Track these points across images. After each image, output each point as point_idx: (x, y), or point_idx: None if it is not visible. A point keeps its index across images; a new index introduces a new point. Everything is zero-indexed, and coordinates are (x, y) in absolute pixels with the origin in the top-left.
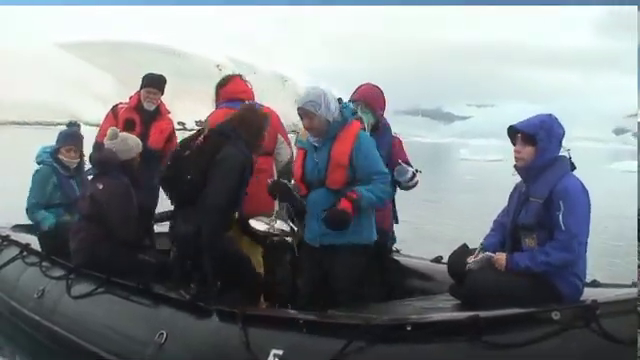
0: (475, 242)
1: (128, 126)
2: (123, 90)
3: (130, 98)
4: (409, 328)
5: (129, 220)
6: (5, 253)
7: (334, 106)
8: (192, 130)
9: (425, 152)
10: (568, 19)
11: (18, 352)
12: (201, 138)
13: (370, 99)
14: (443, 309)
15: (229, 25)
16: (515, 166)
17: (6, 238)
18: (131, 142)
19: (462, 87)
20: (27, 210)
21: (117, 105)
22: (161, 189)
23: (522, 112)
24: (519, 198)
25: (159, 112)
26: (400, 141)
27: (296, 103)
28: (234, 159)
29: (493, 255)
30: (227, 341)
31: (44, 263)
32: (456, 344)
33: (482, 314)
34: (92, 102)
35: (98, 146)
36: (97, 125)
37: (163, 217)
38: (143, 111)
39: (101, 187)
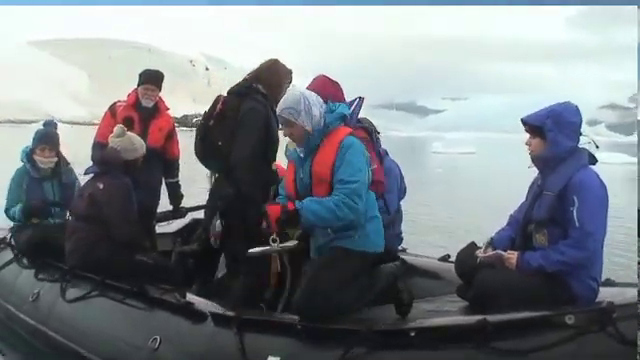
0: (438, 230)
1: (127, 124)
2: (96, 86)
3: (128, 96)
4: (413, 334)
5: (129, 221)
6: (2, 255)
7: (317, 111)
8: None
9: (402, 146)
10: (542, 13)
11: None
12: (219, 105)
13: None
14: (449, 312)
15: (203, 22)
16: (531, 158)
17: (2, 240)
18: (137, 142)
19: (436, 81)
20: (6, 212)
21: (115, 103)
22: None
23: (495, 105)
24: (535, 192)
25: (158, 109)
26: (362, 137)
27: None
28: (253, 113)
29: (504, 253)
30: (222, 347)
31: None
32: (462, 351)
33: (490, 318)
34: (66, 99)
35: (99, 146)
36: (71, 123)
37: (164, 217)
38: (141, 109)
39: (102, 187)
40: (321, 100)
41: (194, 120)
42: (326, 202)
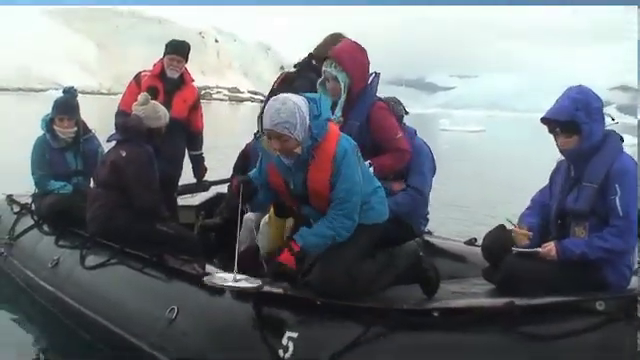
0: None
1: (151, 94)
2: (104, 56)
3: (154, 65)
4: (436, 314)
5: (149, 190)
6: (23, 221)
7: (309, 118)
8: None
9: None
10: None
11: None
12: (278, 81)
13: (342, 59)
14: (475, 294)
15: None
16: (561, 152)
17: (24, 206)
18: (161, 110)
19: (445, 58)
20: (37, 183)
21: (140, 73)
22: None
23: (505, 84)
24: (566, 180)
25: (183, 81)
26: (384, 107)
27: (265, 122)
28: (300, 90)
29: (540, 250)
30: (240, 321)
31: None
32: (488, 334)
33: (518, 301)
34: (73, 69)
35: (123, 114)
36: (79, 92)
37: (187, 189)
38: (166, 79)
39: (124, 154)
40: (307, 105)
41: (202, 92)
42: (325, 230)
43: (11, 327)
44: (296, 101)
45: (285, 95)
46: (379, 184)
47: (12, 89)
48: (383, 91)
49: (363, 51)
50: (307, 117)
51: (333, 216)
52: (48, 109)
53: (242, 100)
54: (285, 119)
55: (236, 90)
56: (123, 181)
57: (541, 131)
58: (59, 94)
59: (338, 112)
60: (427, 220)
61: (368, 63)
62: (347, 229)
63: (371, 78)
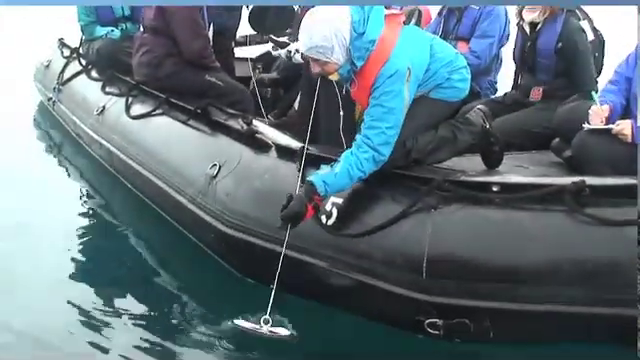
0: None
1: None
2: None
3: None
4: (495, 189)
5: (198, 37)
6: (72, 66)
7: (349, 39)
8: None
9: None
10: None
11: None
12: None
13: None
14: (541, 169)
15: None
16: None
17: (74, 50)
18: None
19: None
20: (83, 30)
21: None
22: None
23: None
24: None
25: None
26: None
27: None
28: None
29: (613, 127)
30: (283, 181)
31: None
32: (552, 214)
33: (589, 180)
34: None
35: None
36: None
37: (246, 41)
38: None
39: None
40: (350, 22)
41: None
42: (351, 171)
43: (56, 172)
44: (332, 20)
45: (320, 13)
46: (464, 64)
47: None
48: None
49: None
50: (347, 38)
51: (358, 145)
52: None
53: None
54: (317, 43)
55: None
56: (171, 26)
57: None
58: None
59: None
60: (495, 89)
61: None
62: (373, 161)
63: None
